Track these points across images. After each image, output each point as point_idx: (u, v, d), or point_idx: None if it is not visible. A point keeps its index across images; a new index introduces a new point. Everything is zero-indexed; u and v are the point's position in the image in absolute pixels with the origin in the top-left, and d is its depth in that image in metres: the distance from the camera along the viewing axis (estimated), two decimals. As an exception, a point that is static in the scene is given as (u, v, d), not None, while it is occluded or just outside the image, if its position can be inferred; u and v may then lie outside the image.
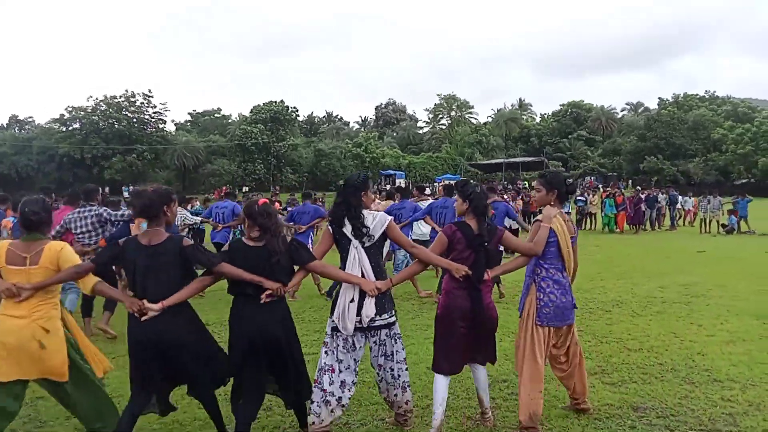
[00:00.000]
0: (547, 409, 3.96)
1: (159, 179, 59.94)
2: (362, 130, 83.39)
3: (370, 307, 3.39)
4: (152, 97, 63.05)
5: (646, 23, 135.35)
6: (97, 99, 60.79)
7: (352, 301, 3.39)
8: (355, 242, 3.46)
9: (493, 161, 62.72)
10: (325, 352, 3.49)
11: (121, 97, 61.41)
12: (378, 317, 3.43)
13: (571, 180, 3.89)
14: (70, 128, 61.05)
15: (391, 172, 57.20)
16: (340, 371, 3.45)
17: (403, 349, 3.62)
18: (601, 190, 23.83)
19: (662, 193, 20.91)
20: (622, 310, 7.12)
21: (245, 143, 60.19)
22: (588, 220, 20.74)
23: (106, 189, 47.63)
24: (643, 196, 19.70)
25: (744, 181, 50.28)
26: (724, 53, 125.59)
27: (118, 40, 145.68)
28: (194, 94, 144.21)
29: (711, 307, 7.18)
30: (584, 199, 20.65)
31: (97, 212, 6.31)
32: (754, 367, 4.86)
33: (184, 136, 66.88)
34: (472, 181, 4.22)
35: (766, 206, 24.12)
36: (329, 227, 3.59)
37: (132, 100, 62.08)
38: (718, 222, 18.56)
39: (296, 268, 3.48)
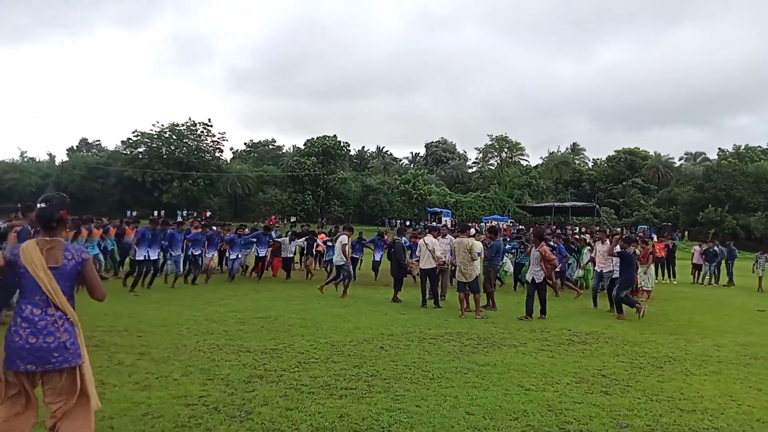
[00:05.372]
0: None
1: (212, 205, 62.12)
2: (411, 166, 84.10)
3: None
4: (211, 126, 66.29)
5: (704, 80, 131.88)
6: (162, 125, 64.21)
7: None
8: None
9: (543, 204, 61.87)
10: None
11: (183, 125, 64.61)
12: None
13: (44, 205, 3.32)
14: (135, 152, 64.46)
15: (438, 210, 57.19)
16: None
17: None
18: (655, 239, 23.04)
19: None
20: (675, 368, 6.79)
21: (298, 174, 61.79)
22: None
23: (162, 212, 49.81)
24: (701, 249, 19.00)
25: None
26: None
27: (189, 71, 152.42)
28: (252, 126, 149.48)
29: (772, 372, 6.75)
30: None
31: None
32: (819, 440, 4.52)
33: (239, 164, 69.31)
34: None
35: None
36: None
37: (193, 128, 65.21)
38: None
39: None
